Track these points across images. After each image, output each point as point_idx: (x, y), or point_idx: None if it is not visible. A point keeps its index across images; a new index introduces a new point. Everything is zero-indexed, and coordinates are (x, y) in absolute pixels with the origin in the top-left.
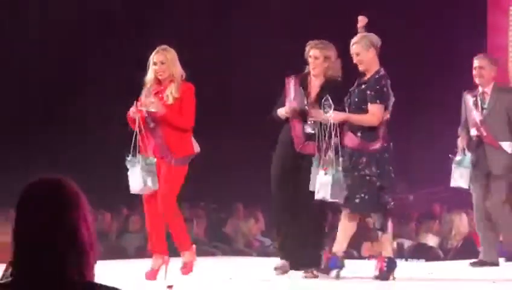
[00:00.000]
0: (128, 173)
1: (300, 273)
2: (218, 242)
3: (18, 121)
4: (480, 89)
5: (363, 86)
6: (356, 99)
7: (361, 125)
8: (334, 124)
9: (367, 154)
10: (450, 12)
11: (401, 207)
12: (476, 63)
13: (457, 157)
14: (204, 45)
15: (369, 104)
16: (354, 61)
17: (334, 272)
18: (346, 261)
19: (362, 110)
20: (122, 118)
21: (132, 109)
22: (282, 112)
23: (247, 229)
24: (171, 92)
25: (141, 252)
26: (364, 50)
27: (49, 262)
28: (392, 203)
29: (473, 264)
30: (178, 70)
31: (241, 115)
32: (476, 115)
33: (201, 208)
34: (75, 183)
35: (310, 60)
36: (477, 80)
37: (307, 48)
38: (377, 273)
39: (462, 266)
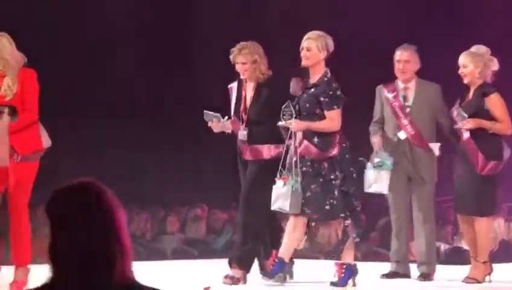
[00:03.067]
0: None
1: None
2: None
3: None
4: (400, 84)
5: (312, 90)
6: (307, 105)
7: (317, 133)
8: (293, 132)
9: (327, 159)
10: None
11: (439, 210)
12: (399, 55)
13: (376, 159)
14: None
15: (325, 111)
16: (302, 54)
17: (279, 276)
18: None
19: (316, 115)
20: None
21: None
22: (228, 126)
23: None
24: (8, 86)
25: (178, 254)
26: (317, 49)
27: (88, 264)
28: (359, 207)
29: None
30: (11, 58)
31: None
32: (400, 113)
33: None
34: (105, 186)
35: (238, 66)
36: (400, 75)
37: (232, 55)
38: (335, 279)
39: (500, 270)
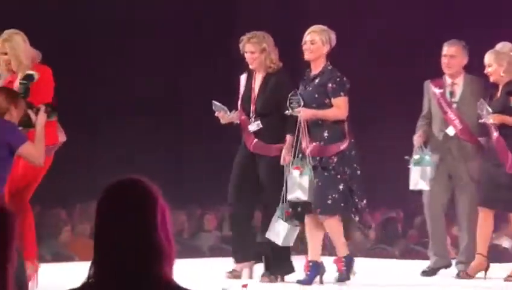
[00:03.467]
0: None
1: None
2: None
3: (84, 118)
4: (448, 79)
5: (316, 81)
6: (316, 95)
7: (327, 126)
8: (303, 121)
9: (336, 154)
10: None
11: None
12: (446, 50)
13: (415, 156)
14: None
15: (332, 98)
16: (304, 47)
17: (317, 278)
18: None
19: (325, 105)
20: None
21: None
22: (235, 117)
23: None
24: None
25: (215, 251)
26: (320, 42)
27: (131, 262)
28: (363, 203)
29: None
30: (25, 56)
31: None
32: (447, 109)
33: None
34: (152, 183)
35: (246, 55)
36: (446, 70)
37: (241, 44)
38: (337, 276)
39: None
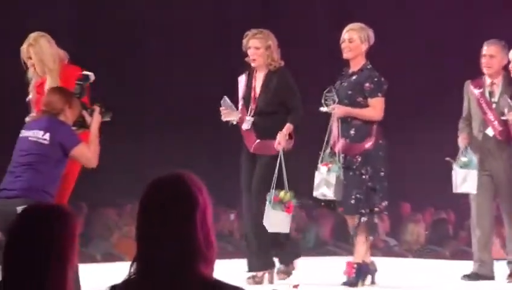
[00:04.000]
0: None
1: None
2: (342, 242)
3: (134, 118)
4: (487, 80)
5: (353, 78)
6: (350, 92)
7: (354, 123)
8: (336, 118)
9: (361, 153)
10: None
11: None
12: (485, 50)
13: (463, 159)
14: None
15: (369, 98)
16: (342, 46)
17: (368, 278)
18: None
19: (357, 103)
20: None
21: None
22: (235, 116)
23: None
24: (49, 85)
25: None
26: (359, 40)
27: (169, 260)
28: (383, 205)
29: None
30: (50, 59)
31: None
32: (486, 110)
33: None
34: (197, 178)
35: (250, 50)
36: (485, 70)
37: (245, 39)
38: (344, 279)
39: None
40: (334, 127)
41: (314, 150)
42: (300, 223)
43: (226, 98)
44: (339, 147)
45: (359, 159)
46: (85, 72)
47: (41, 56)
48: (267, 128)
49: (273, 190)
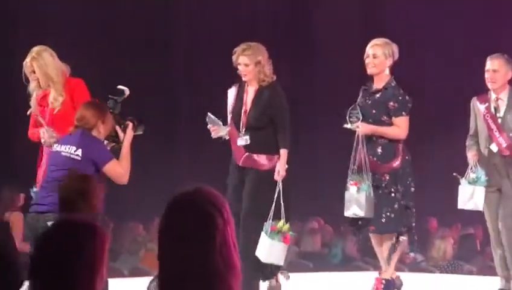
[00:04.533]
0: None
1: None
2: (369, 258)
3: (163, 130)
4: (492, 94)
5: (377, 96)
6: (374, 111)
7: (381, 142)
8: (361, 136)
9: (389, 172)
10: None
11: None
12: (488, 64)
13: (472, 175)
14: None
15: (393, 117)
16: (366, 61)
17: None
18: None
19: (382, 122)
20: None
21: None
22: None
23: None
24: (54, 98)
25: (293, 267)
26: (383, 56)
27: (189, 282)
28: (414, 223)
29: None
30: (54, 72)
31: None
32: (492, 125)
33: None
34: (218, 195)
35: (240, 67)
36: (489, 85)
37: (235, 55)
38: None
39: None
40: (360, 144)
41: (340, 168)
42: (327, 238)
43: (209, 114)
44: (366, 165)
45: (387, 178)
46: (120, 87)
47: (45, 69)
48: (256, 143)
49: (270, 220)
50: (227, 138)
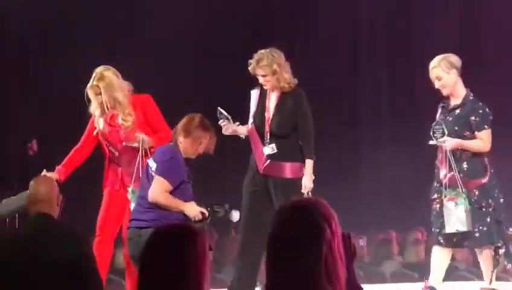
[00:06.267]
0: None
1: None
2: (474, 267)
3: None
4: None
5: (457, 112)
6: (456, 128)
7: (466, 157)
8: (448, 151)
9: (478, 187)
10: None
11: None
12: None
13: None
14: None
15: (476, 132)
16: (436, 87)
17: None
18: None
19: (465, 137)
20: None
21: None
22: (242, 131)
23: None
24: (123, 119)
25: (397, 277)
26: (444, 73)
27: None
28: (509, 231)
29: None
30: (120, 92)
31: None
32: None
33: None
34: (328, 207)
35: (258, 78)
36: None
37: (250, 67)
38: None
39: None
40: (446, 159)
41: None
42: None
43: (220, 109)
44: (458, 180)
45: (476, 193)
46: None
47: (112, 91)
48: (280, 150)
49: None
50: (243, 137)
